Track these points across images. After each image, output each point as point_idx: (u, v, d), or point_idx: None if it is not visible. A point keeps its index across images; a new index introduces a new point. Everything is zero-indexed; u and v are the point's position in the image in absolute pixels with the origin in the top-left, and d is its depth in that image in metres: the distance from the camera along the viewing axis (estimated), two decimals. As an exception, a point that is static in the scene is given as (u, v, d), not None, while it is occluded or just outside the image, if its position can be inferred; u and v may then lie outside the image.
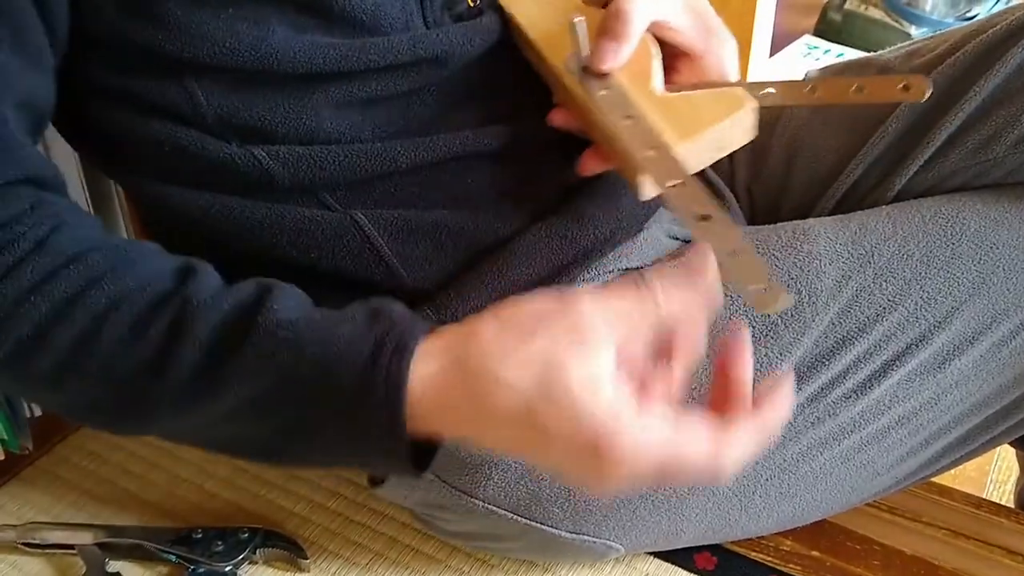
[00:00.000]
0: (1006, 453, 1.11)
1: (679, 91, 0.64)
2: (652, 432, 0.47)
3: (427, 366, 0.51)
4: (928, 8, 1.89)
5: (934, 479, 0.77)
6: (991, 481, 1.11)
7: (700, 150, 0.63)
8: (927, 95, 0.61)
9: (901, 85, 0.62)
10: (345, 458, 0.59)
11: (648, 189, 0.61)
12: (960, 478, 1.04)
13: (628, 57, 0.64)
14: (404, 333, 0.52)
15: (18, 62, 0.55)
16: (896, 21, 1.92)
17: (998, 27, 0.68)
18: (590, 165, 0.66)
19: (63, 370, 0.54)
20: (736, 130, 0.63)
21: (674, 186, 0.59)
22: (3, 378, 0.57)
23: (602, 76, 0.64)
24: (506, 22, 0.70)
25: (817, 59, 1.88)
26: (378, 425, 0.51)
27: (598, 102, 0.63)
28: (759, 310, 0.57)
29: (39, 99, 0.58)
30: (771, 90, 0.65)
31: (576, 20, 0.63)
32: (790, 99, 0.66)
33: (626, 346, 0.49)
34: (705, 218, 0.57)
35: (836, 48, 1.92)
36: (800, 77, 0.81)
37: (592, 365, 0.47)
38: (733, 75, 0.69)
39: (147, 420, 0.56)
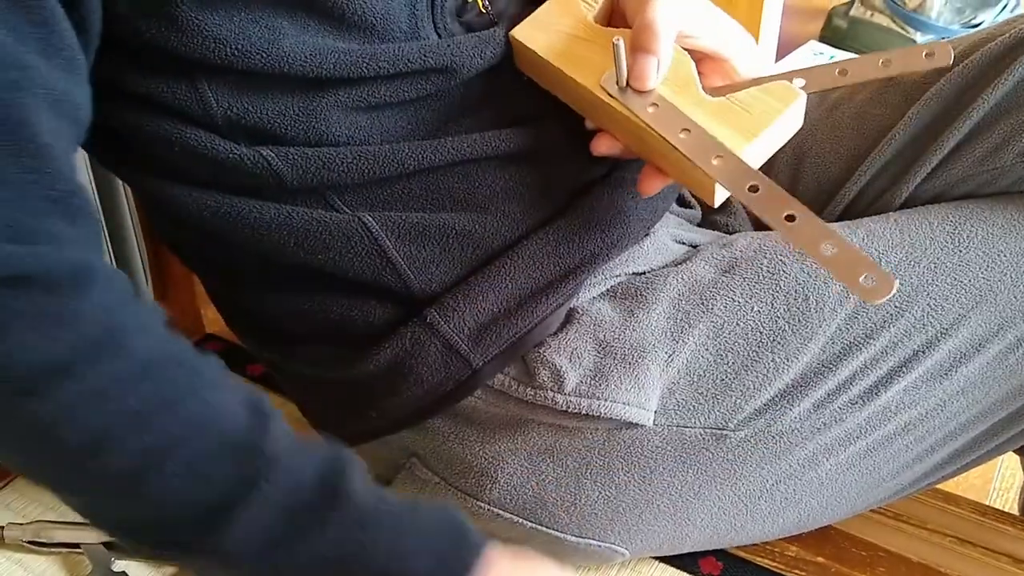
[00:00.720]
0: (1009, 461, 1.11)
1: (724, 95, 0.64)
2: None
3: None
4: (934, 15, 1.89)
5: (939, 486, 0.77)
6: (994, 489, 1.11)
7: (762, 148, 0.63)
8: (951, 59, 0.62)
9: (925, 53, 0.63)
10: None
11: (723, 196, 0.62)
12: (963, 485, 1.04)
13: (666, 71, 0.64)
14: None
15: (43, 61, 0.51)
16: (901, 27, 1.92)
17: (1006, 36, 0.68)
18: (651, 184, 0.66)
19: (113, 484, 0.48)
20: (790, 121, 0.64)
21: (752, 190, 0.59)
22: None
23: (645, 93, 0.64)
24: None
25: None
26: None
27: (649, 120, 0.63)
28: (868, 300, 0.57)
29: (76, 103, 0.54)
30: (801, 79, 0.66)
31: (616, 41, 0.62)
32: (820, 85, 0.66)
33: None
34: (791, 218, 0.58)
35: (841, 54, 1.92)
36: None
37: None
38: (759, 71, 0.69)
39: (178, 554, 0.50)
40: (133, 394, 0.47)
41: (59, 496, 0.50)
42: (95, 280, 0.48)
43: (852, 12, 1.99)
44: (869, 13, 1.97)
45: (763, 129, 0.62)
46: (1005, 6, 1.93)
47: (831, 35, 1.99)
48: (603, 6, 0.68)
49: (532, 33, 0.68)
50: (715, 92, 0.65)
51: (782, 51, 1.76)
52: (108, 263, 0.53)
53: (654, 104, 0.63)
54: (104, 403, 0.46)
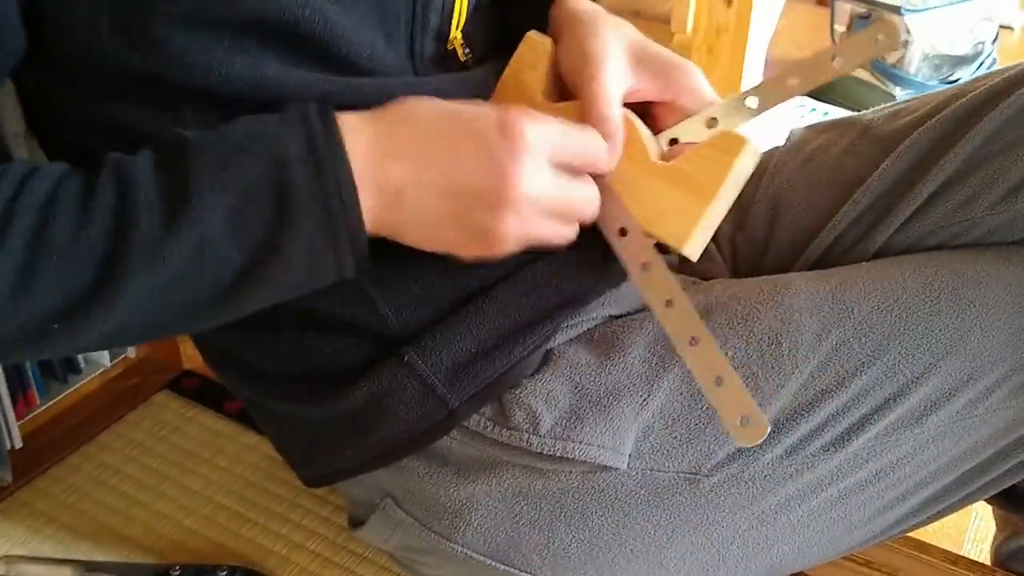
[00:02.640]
0: (984, 510, 1.12)
1: (676, 156, 0.66)
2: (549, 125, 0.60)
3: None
4: (912, 70, 1.93)
5: (912, 534, 0.77)
6: (969, 539, 1.12)
7: (723, 203, 0.65)
8: (900, 40, 0.62)
9: (876, 36, 0.64)
10: (311, 243, 0.57)
11: (697, 252, 0.66)
12: (938, 534, 1.04)
13: (622, 147, 0.66)
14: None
15: None
16: (881, 82, 1.96)
17: (977, 91, 0.70)
18: None
19: (25, 270, 0.53)
20: (745, 166, 0.65)
21: (668, 304, 0.63)
22: None
23: (598, 179, 0.65)
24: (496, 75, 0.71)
25: (803, 116, 1.91)
26: (326, 171, 0.56)
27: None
28: (740, 442, 0.61)
29: None
30: (754, 98, 0.67)
31: None
32: (775, 99, 0.67)
33: None
34: (694, 341, 0.62)
35: (823, 106, 1.95)
36: (787, 129, 0.83)
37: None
38: (708, 97, 0.69)
39: (117, 293, 0.54)
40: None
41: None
42: None
43: (833, 66, 2.02)
44: (850, 67, 2.00)
45: (718, 189, 0.64)
46: (981, 64, 1.98)
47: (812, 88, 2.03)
48: (548, 78, 0.70)
49: None
50: (674, 152, 0.66)
51: (764, 103, 1.79)
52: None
53: (600, 194, 0.65)
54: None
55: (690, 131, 0.68)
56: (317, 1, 0.59)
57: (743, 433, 0.60)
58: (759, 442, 0.60)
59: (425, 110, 0.60)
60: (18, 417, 0.93)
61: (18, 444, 0.89)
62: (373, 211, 0.58)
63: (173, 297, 0.56)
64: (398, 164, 0.58)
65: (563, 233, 0.62)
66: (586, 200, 0.63)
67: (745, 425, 0.60)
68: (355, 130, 0.58)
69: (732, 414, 0.61)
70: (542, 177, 0.58)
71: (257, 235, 0.55)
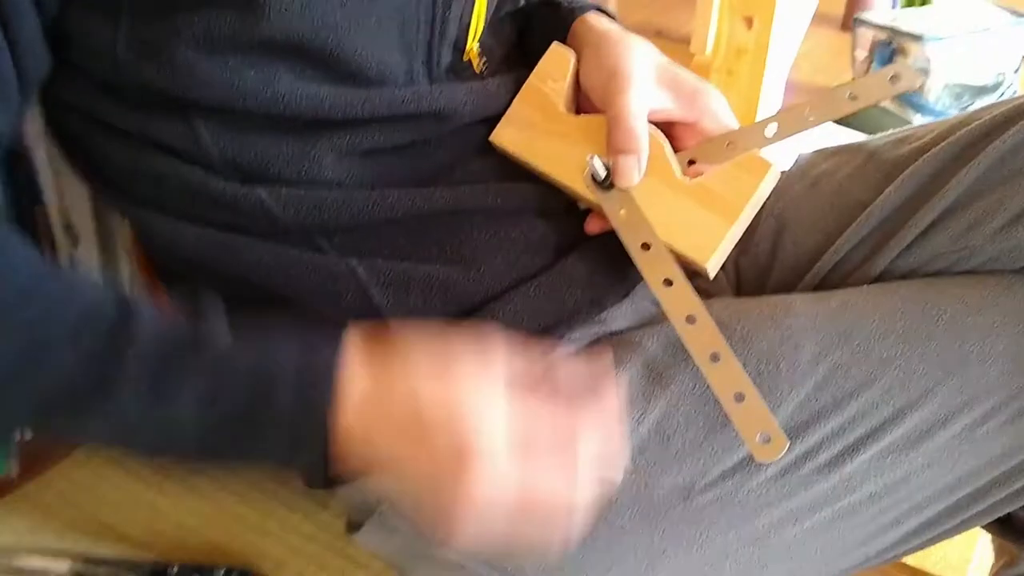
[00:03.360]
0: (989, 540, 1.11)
1: (700, 174, 0.68)
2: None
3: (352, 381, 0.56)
4: (932, 99, 1.93)
5: (912, 563, 0.77)
6: (973, 568, 1.11)
7: (744, 223, 0.67)
8: (918, 82, 0.63)
9: (891, 76, 0.66)
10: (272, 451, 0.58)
11: (715, 268, 0.68)
12: (941, 564, 1.04)
13: (647, 162, 0.68)
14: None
15: None
16: (901, 110, 1.96)
17: (982, 120, 0.70)
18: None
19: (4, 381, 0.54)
20: (766, 188, 0.67)
21: (689, 320, 0.64)
22: None
23: (620, 193, 0.67)
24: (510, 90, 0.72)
25: (817, 139, 1.91)
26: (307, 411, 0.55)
27: (617, 226, 0.67)
28: (760, 458, 0.62)
29: (2, 133, 0.58)
30: (773, 125, 0.69)
31: (590, 158, 0.67)
32: (793, 129, 0.69)
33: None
34: (715, 357, 0.63)
35: (841, 131, 1.95)
36: (796, 153, 0.84)
37: (487, 390, 0.56)
38: (729, 123, 0.71)
39: (76, 424, 0.56)
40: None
41: None
42: None
43: (853, 92, 2.03)
44: (869, 93, 2.00)
45: (743, 208, 0.67)
46: (1002, 94, 1.97)
47: (831, 113, 2.03)
48: (570, 90, 0.71)
49: (510, 133, 0.71)
50: (693, 172, 0.68)
51: (782, 126, 1.79)
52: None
53: (624, 210, 0.67)
54: None
55: (710, 152, 0.70)
56: (330, 19, 0.60)
57: (762, 450, 0.61)
58: (778, 458, 0.62)
59: (405, 396, 0.56)
60: (28, 411, 0.94)
61: (28, 436, 0.90)
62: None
63: (135, 446, 0.58)
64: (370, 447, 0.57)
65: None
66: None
67: (765, 442, 0.61)
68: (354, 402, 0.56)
69: (752, 430, 0.62)
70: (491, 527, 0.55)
71: (223, 451, 0.57)
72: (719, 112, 0.71)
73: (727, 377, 0.63)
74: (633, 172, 0.67)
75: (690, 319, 0.65)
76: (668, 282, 0.66)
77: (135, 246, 0.96)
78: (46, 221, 0.86)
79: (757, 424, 0.62)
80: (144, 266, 1.02)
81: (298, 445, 0.56)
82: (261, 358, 0.56)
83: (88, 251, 0.91)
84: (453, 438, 0.54)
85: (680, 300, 0.65)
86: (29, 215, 0.83)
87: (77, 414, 0.55)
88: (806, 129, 0.70)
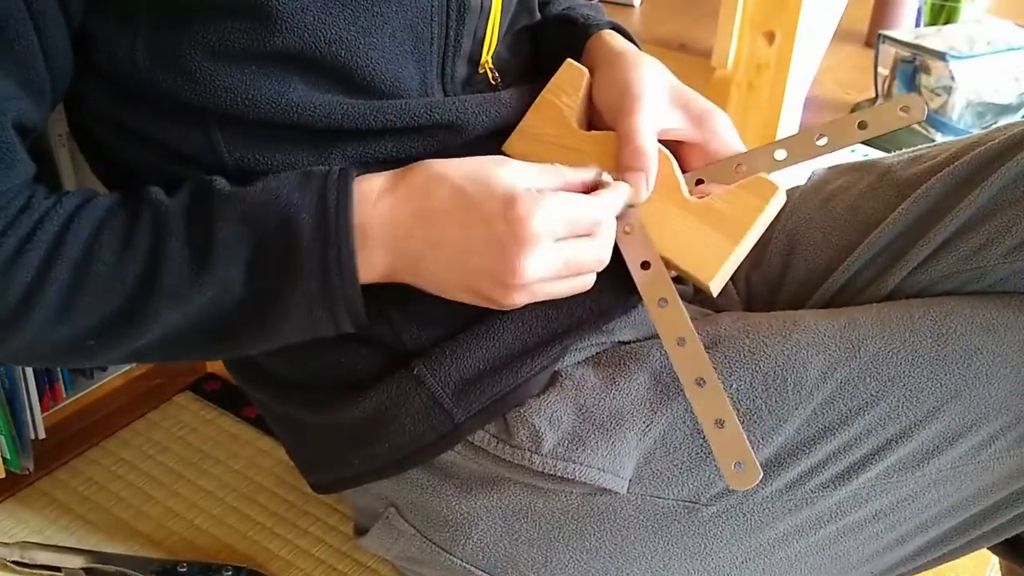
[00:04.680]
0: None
1: (707, 194, 0.69)
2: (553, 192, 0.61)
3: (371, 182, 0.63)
4: (955, 117, 1.92)
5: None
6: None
7: (749, 244, 0.68)
8: (925, 113, 0.66)
9: (900, 108, 0.67)
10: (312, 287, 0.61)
11: (719, 287, 0.69)
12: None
13: (655, 180, 0.69)
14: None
15: (22, 91, 0.59)
16: (923, 127, 1.95)
17: (996, 141, 0.70)
18: None
19: (69, 300, 0.59)
20: (772, 211, 0.68)
21: (680, 343, 0.66)
22: (14, 331, 0.59)
23: (626, 213, 0.68)
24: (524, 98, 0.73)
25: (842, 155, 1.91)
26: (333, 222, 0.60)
27: (620, 244, 0.68)
28: (732, 485, 0.64)
29: (36, 125, 0.62)
30: (783, 150, 0.70)
31: (598, 175, 0.67)
32: (802, 155, 0.70)
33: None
34: (700, 382, 0.65)
35: (862, 148, 1.95)
36: (810, 169, 0.84)
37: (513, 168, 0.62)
38: (737, 145, 0.72)
39: (148, 323, 0.60)
40: (49, 224, 0.59)
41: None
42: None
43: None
44: (891, 111, 1.99)
45: (748, 229, 0.67)
46: (1025, 114, 1.96)
47: (853, 130, 2.02)
48: (582, 106, 0.72)
49: (522, 145, 0.72)
50: (700, 192, 0.69)
51: (802, 141, 1.79)
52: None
53: (627, 228, 0.68)
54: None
55: (718, 173, 0.71)
56: (344, 32, 0.61)
57: (736, 477, 0.64)
58: (750, 487, 0.64)
59: (438, 185, 0.62)
60: (44, 409, 0.95)
61: (41, 435, 0.92)
62: (391, 269, 0.63)
63: (192, 330, 0.62)
64: (413, 240, 0.62)
65: (574, 287, 0.64)
66: (594, 260, 0.64)
67: (739, 470, 0.63)
68: (373, 198, 0.62)
69: (728, 457, 0.64)
70: (548, 259, 0.61)
71: (266, 287, 0.60)
72: (727, 134, 0.72)
73: (710, 402, 0.65)
74: (641, 189, 0.68)
75: (680, 341, 0.66)
76: (664, 301, 0.67)
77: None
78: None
79: (734, 452, 0.64)
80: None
81: (328, 283, 0.60)
82: (274, 188, 0.61)
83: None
84: (497, 192, 0.60)
85: (673, 321, 0.67)
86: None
87: (145, 314, 0.60)
88: (815, 156, 0.71)
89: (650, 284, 0.67)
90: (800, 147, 0.70)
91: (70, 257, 0.58)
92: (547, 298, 0.63)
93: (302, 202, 0.60)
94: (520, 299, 0.62)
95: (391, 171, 0.63)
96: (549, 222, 0.60)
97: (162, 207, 0.61)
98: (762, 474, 0.64)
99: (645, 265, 0.68)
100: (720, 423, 0.64)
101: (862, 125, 0.69)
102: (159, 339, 0.62)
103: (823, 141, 0.70)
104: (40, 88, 0.60)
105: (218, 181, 0.62)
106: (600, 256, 0.64)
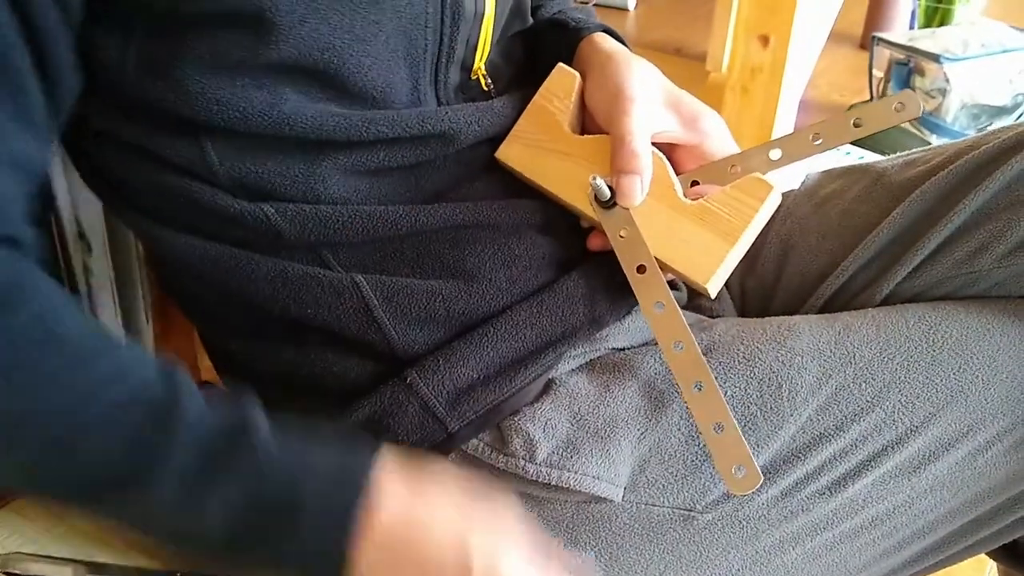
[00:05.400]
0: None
1: (702, 195, 0.68)
2: None
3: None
4: (950, 119, 1.92)
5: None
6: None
7: (744, 245, 0.68)
8: (920, 110, 0.65)
9: (895, 105, 0.67)
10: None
11: (717, 287, 0.68)
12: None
13: (649, 183, 0.68)
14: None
15: (13, 124, 0.55)
16: (917, 129, 1.95)
17: (990, 144, 0.70)
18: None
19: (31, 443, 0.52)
20: (767, 212, 0.68)
21: (677, 346, 0.65)
22: None
23: (621, 214, 0.68)
24: (517, 110, 0.73)
25: (836, 159, 1.91)
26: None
27: (616, 247, 0.68)
28: (733, 491, 0.64)
29: (32, 160, 0.57)
30: (777, 150, 0.70)
31: (593, 180, 0.67)
32: (797, 154, 0.70)
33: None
34: (698, 386, 0.64)
35: (857, 151, 1.95)
36: (803, 174, 0.84)
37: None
38: (730, 146, 0.72)
39: (105, 504, 0.55)
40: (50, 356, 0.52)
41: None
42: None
43: (869, 111, 2.02)
44: (886, 113, 2.00)
45: (744, 230, 0.67)
46: (1021, 115, 1.96)
47: (847, 132, 2.02)
48: (574, 110, 0.72)
49: (515, 150, 0.72)
50: (696, 193, 0.69)
51: (797, 144, 1.79)
52: (46, 280, 0.55)
53: (624, 231, 0.68)
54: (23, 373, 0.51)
55: (713, 174, 0.70)
56: (338, 40, 0.61)
57: (736, 482, 0.63)
58: (751, 492, 0.63)
59: (415, 529, 0.57)
60: (36, 418, 0.94)
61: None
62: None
63: (151, 528, 0.57)
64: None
65: None
66: None
67: (739, 475, 0.63)
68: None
69: (727, 462, 0.63)
70: None
71: (245, 550, 0.56)
72: (720, 135, 0.72)
73: (708, 406, 0.64)
74: (636, 192, 0.67)
75: (677, 345, 0.66)
76: (660, 305, 0.66)
77: (149, 255, 0.96)
78: (59, 229, 0.87)
79: (734, 456, 0.63)
80: (156, 283, 1.03)
81: (321, 558, 0.55)
82: (299, 464, 0.56)
83: (101, 259, 0.92)
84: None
85: (669, 325, 0.66)
86: (43, 223, 0.84)
87: (111, 496, 0.54)
88: (810, 155, 0.71)
89: (646, 288, 0.67)
90: (795, 146, 0.70)
91: (58, 409, 0.52)
92: None
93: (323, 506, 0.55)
94: None
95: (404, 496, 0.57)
96: None
97: (191, 416, 0.54)
98: (763, 478, 0.64)
99: (641, 269, 0.67)
100: (719, 427, 0.64)
101: (857, 123, 0.69)
102: (108, 517, 0.58)
103: (818, 140, 0.70)
104: (31, 115, 0.56)
105: (255, 430, 0.56)
106: None
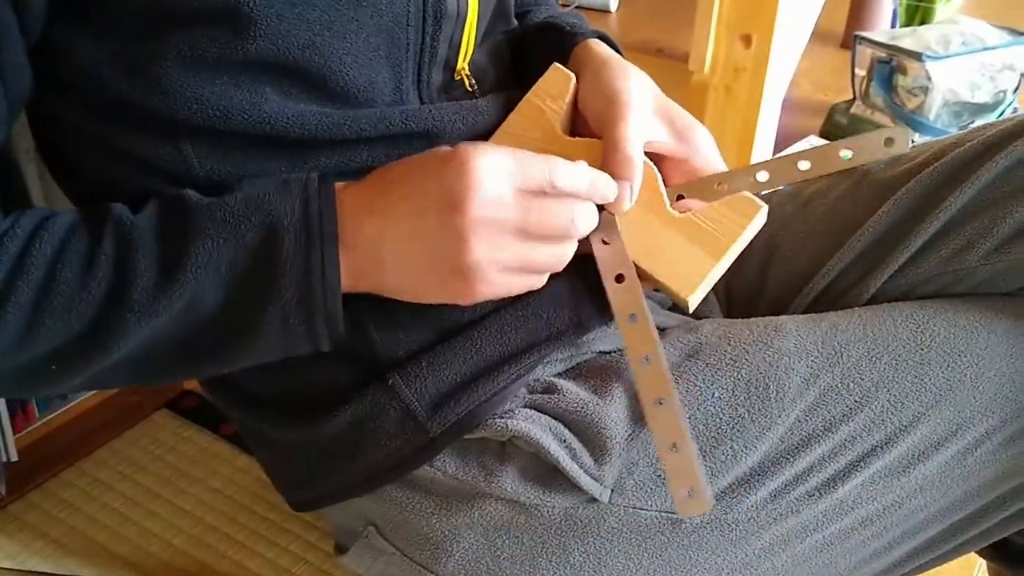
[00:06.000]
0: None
1: (690, 209, 0.68)
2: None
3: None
4: (932, 116, 1.92)
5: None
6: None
7: (728, 261, 0.68)
8: (908, 146, 0.66)
9: (884, 139, 0.68)
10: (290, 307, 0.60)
11: (696, 302, 0.68)
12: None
13: (639, 190, 0.68)
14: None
15: None
16: (900, 127, 1.95)
17: (975, 141, 0.70)
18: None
19: (32, 323, 0.56)
20: (753, 230, 0.68)
21: (647, 359, 0.66)
22: None
23: (603, 223, 0.67)
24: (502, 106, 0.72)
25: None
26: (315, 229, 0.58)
27: (596, 254, 0.68)
28: (680, 512, 0.64)
29: None
30: (765, 172, 0.70)
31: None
32: (784, 178, 0.71)
33: None
34: (660, 402, 0.64)
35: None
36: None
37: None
38: (718, 163, 0.71)
39: (115, 341, 0.58)
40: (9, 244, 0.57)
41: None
42: None
43: (853, 110, 2.03)
44: (869, 111, 2.00)
45: (729, 247, 0.67)
46: (1002, 113, 1.97)
47: (832, 131, 2.03)
48: (567, 111, 0.71)
49: (505, 145, 0.70)
50: (681, 207, 0.69)
51: (781, 145, 1.79)
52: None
53: (606, 238, 0.67)
54: None
55: (700, 190, 0.71)
56: (318, 38, 0.60)
57: (685, 504, 0.63)
58: (697, 516, 0.64)
59: (394, 164, 0.61)
60: (16, 431, 0.93)
61: (14, 457, 0.90)
62: (358, 268, 0.60)
63: (159, 347, 0.59)
64: (371, 218, 0.60)
65: (538, 262, 0.62)
66: (559, 226, 0.61)
67: (689, 497, 0.63)
68: (344, 197, 0.60)
69: (680, 483, 0.63)
70: (497, 197, 0.58)
71: (241, 300, 0.58)
72: (709, 151, 0.71)
73: (668, 424, 0.64)
74: (625, 198, 0.67)
75: (646, 359, 0.66)
76: (634, 317, 0.66)
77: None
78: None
79: (686, 478, 0.63)
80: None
81: (310, 293, 0.58)
82: (249, 194, 0.59)
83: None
84: (440, 150, 0.59)
85: (641, 338, 0.66)
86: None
87: (111, 333, 0.57)
88: (797, 180, 0.71)
89: (622, 298, 0.67)
90: (782, 171, 0.70)
91: (32, 279, 0.56)
92: (508, 287, 0.61)
93: (283, 208, 0.58)
94: (479, 252, 0.58)
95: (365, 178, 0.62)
96: (497, 164, 0.58)
97: (127, 222, 0.59)
98: (713, 503, 0.64)
99: (619, 278, 0.67)
100: (675, 447, 0.64)
101: (847, 153, 0.69)
102: (125, 359, 0.59)
103: (805, 166, 0.70)
104: None
105: (190, 194, 0.60)
106: (565, 226, 0.61)
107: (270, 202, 0.59)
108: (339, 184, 0.61)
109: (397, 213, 0.59)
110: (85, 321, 0.57)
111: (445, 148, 0.60)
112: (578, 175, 0.62)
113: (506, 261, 0.60)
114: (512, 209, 0.59)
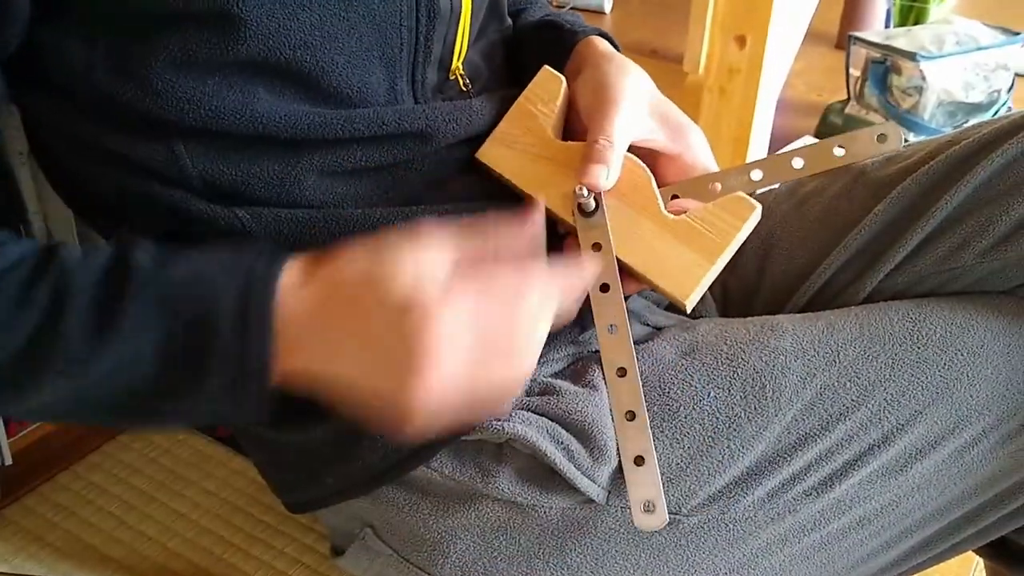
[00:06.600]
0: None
1: (684, 210, 0.68)
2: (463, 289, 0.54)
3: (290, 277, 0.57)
4: (926, 116, 1.93)
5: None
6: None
7: (722, 263, 0.68)
8: (903, 142, 0.66)
9: (876, 135, 0.68)
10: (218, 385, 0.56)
11: (694, 303, 0.68)
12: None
13: (616, 179, 0.67)
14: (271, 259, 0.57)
15: None
16: (892, 124, 1.95)
17: (971, 139, 0.70)
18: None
19: None
20: (747, 231, 0.68)
21: (620, 373, 0.66)
22: None
23: (594, 229, 0.67)
24: (497, 111, 0.72)
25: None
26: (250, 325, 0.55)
27: (586, 259, 0.67)
28: (638, 525, 0.65)
29: None
30: (759, 171, 0.69)
31: (579, 188, 0.67)
32: (778, 177, 0.70)
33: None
34: (631, 416, 0.65)
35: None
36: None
37: (423, 258, 0.55)
38: (711, 163, 0.71)
39: (40, 379, 0.55)
40: None
41: None
42: None
43: (847, 110, 2.03)
44: (864, 112, 2.00)
45: (724, 249, 0.67)
46: (996, 112, 1.97)
47: (826, 131, 2.03)
48: (559, 114, 0.71)
49: (496, 152, 0.71)
50: (675, 208, 0.68)
51: (776, 146, 1.79)
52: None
53: (596, 245, 0.67)
54: None
55: (694, 191, 0.70)
56: (309, 37, 0.60)
57: (643, 518, 0.64)
58: (653, 530, 0.65)
59: (346, 264, 0.57)
60: (10, 434, 0.93)
61: (8, 461, 0.89)
62: (292, 368, 0.57)
63: (90, 398, 0.57)
64: (313, 339, 0.57)
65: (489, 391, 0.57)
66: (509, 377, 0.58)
67: (646, 511, 0.64)
68: (294, 292, 0.57)
69: (640, 495, 0.64)
70: (454, 370, 0.54)
71: (172, 374, 0.56)
72: (702, 151, 0.71)
73: (636, 437, 0.65)
74: (600, 179, 0.66)
75: (620, 372, 0.66)
76: (613, 328, 0.66)
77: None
78: (29, 237, 0.85)
79: (647, 491, 0.64)
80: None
81: (242, 379, 0.55)
82: (196, 268, 0.57)
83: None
84: (392, 296, 0.54)
85: (618, 349, 0.66)
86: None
87: (34, 375, 0.54)
88: (791, 179, 0.71)
89: (605, 307, 0.67)
90: (776, 169, 0.70)
91: None
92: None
93: (224, 288, 0.55)
94: (414, 423, 0.55)
95: (310, 259, 0.58)
96: (458, 335, 0.54)
97: (72, 263, 0.56)
98: (668, 520, 0.64)
99: (604, 288, 0.67)
100: (640, 460, 0.64)
101: (840, 150, 0.69)
102: (58, 400, 0.57)
103: (799, 164, 0.70)
104: None
105: (139, 251, 0.57)
106: (517, 373, 0.57)
107: (213, 281, 0.56)
108: (286, 276, 0.57)
109: (342, 351, 0.56)
110: (16, 350, 0.54)
111: (405, 283, 0.54)
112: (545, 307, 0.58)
113: (454, 403, 0.56)
114: (467, 366, 0.55)
